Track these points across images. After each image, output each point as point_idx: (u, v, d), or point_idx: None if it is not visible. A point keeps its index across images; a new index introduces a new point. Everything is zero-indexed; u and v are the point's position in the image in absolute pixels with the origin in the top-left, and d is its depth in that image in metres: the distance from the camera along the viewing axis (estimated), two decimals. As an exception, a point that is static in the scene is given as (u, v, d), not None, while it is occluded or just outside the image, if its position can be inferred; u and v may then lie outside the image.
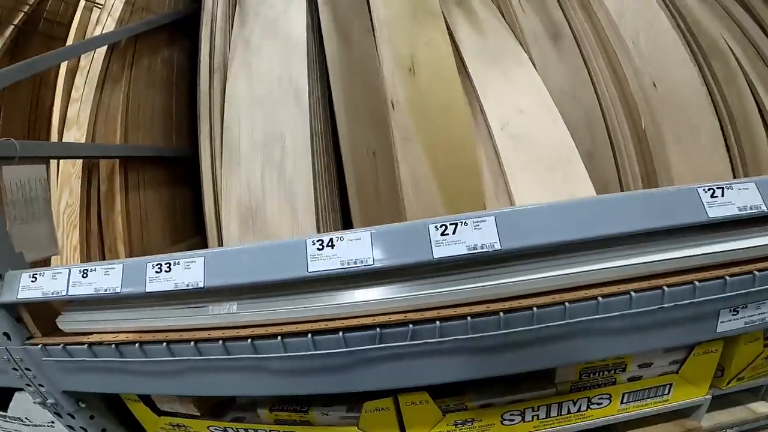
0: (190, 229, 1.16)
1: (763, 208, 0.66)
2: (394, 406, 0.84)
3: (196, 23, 1.16)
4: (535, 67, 1.06)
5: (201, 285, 0.69)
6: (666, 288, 0.66)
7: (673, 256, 0.67)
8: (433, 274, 0.70)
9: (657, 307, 0.67)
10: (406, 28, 1.03)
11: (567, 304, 0.67)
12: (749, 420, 0.93)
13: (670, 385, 0.85)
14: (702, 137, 0.90)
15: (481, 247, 0.65)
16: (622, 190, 1.01)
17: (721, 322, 0.71)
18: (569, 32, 1.11)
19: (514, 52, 1.07)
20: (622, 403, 0.87)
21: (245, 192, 1.01)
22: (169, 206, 1.13)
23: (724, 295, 0.67)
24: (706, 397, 0.87)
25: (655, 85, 0.93)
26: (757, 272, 0.66)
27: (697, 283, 0.66)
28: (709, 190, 0.66)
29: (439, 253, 0.66)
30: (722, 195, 0.66)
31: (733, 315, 0.70)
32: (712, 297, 0.67)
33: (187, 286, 0.69)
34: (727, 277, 0.66)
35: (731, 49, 1.13)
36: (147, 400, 0.95)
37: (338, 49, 1.19)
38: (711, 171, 0.88)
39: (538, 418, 0.88)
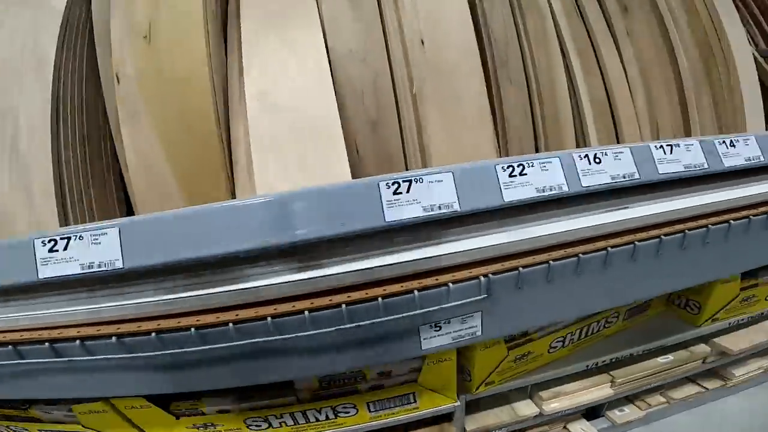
0: None
1: (456, 207, 0.55)
2: (111, 409, 0.76)
3: None
4: (325, 28, 0.89)
5: None
6: (345, 306, 0.55)
7: (355, 268, 0.56)
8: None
9: (335, 328, 0.56)
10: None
11: (231, 325, 0.55)
12: (512, 422, 0.90)
13: (414, 393, 0.79)
14: (466, 108, 0.78)
15: (99, 266, 0.50)
16: (405, 163, 0.89)
17: (425, 339, 0.62)
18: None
19: (304, 10, 0.90)
20: (370, 411, 0.81)
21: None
22: None
23: (417, 312, 0.58)
24: (457, 404, 0.82)
25: (423, 42, 0.79)
26: (451, 284, 0.57)
27: (381, 300, 0.56)
28: (393, 184, 0.54)
29: (45, 273, 0.51)
30: (407, 191, 0.54)
31: (436, 331, 0.62)
32: (403, 315, 0.57)
33: None
34: (417, 292, 0.56)
35: (550, 4, 1.02)
36: None
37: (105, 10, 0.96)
38: (475, 148, 0.77)
39: (286, 425, 0.82)
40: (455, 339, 0.63)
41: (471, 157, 0.76)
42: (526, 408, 0.92)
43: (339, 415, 0.81)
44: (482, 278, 0.57)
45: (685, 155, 0.64)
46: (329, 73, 0.83)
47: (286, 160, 0.76)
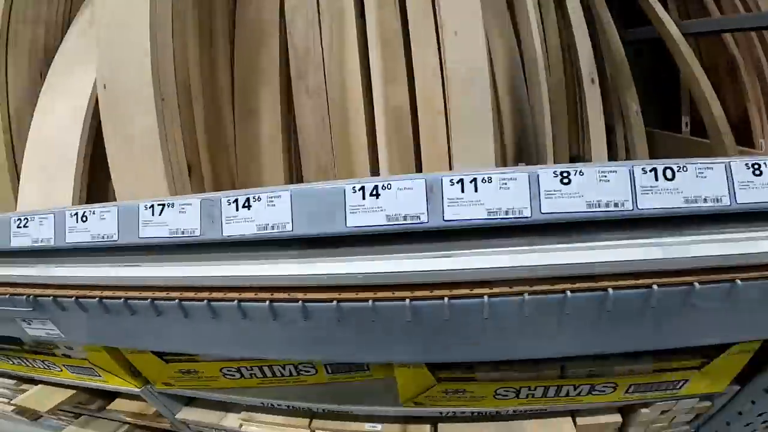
0: None
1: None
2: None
3: None
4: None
5: None
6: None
7: None
8: None
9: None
10: None
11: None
12: (213, 427, 0.95)
13: (93, 369, 0.88)
14: (137, 147, 0.76)
15: None
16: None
17: (26, 328, 0.71)
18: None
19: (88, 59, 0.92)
20: (70, 372, 0.94)
21: None
22: None
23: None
24: (138, 390, 0.90)
25: (105, 86, 0.78)
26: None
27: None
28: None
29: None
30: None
31: (29, 324, 0.70)
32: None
33: None
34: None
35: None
36: None
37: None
38: (146, 183, 0.76)
39: (22, 366, 0.99)
40: (49, 334, 0.71)
41: (144, 193, 0.76)
42: (231, 420, 0.96)
43: (49, 368, 0.95)
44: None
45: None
46: (83, 112, 0.89)
47: (32, 185, 0.88)
